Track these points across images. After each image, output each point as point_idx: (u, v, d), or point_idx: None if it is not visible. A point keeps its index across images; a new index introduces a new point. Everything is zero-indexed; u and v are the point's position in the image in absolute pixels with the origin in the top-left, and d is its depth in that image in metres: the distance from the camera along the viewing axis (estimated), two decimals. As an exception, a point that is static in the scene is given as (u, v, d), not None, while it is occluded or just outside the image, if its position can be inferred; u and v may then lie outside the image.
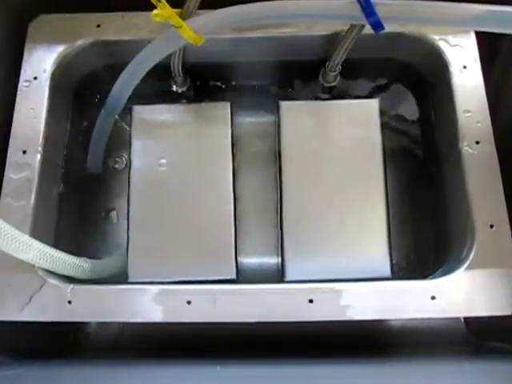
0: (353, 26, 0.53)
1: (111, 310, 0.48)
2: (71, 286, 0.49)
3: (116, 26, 0.59)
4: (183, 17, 0.49)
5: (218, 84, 0.68)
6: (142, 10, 0.57)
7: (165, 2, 0.47)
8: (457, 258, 0.51)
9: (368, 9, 0.44)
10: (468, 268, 0.49)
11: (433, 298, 0.48)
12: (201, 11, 0.50)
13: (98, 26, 0.59)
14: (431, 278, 0.50)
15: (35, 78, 0.57)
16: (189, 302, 0.48)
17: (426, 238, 0.62)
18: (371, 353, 0.61)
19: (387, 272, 0.54)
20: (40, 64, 0.57)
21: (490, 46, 0.59)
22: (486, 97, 0.55)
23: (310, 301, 0.48)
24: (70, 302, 0.48)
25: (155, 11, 0.47)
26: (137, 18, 0.59)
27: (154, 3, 0.47)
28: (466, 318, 0.64)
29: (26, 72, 0.57)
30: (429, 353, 0.61)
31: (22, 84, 0.57)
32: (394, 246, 0.57)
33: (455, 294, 0.48)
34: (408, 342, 0.64)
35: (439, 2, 0.43)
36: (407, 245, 0.63)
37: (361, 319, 0.47)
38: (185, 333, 0.62)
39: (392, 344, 0.65)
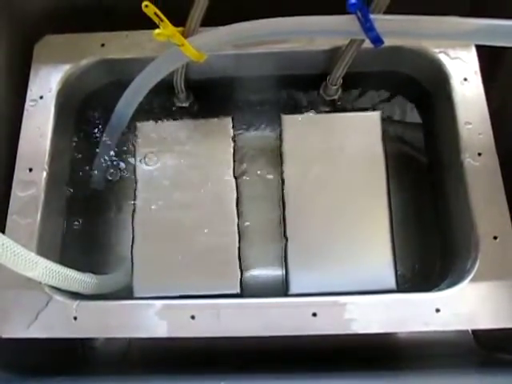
0: (353, 41, 0.53)
1: (116, 325, 0.49)
2: (77, 302, 0.49)
3: (120, 45, 0.60)
4: (185, 35, 0.50)
5: (222, 99, 0.68)
6: (145, 29, 0.58)
7: (167, 21, 0.47)
8: (461, 270, 0.51)
9: (367, 24, 0.44)
10: (472, 280, 0.48)
11: (437, 310, 0.47)
12: (203, 29, 0.51)
13: (103, 45, 0.60)
14: (436, 291, 0.50)
15: (41, 98, 0.58)
16: (193, 317, 0.48)
17: (431, 249, 0.62)
18: (378, 365, 0.61)
19: (392, 284, 0.54)
20: (46, 83, 0.59)
21: (493, 56, 0.59)
22: (491, 108, 0.55)
23: (314, 314, 0.48)
24: (75, 318, 0.49)
25: (157, 30, 0.48)
26: (140, 36, 0.60)
27: (157, 22, 0.47)
28: (473, 330, 0.64)
29: (32, 92, 0.58)
30: (437, 365, 0.60)
31: (28, 103, 0.58)
32: (399, 257, 0.57)
33: (460, 307, 0.48)
34: (416, 354, 0.64)
35: (438, 16, 0.43)
36: (412, 257, 0.62)
37: (365, 333, 0.47)
38: (191, 346, 0.62)
39: (399, 356, 0.64)
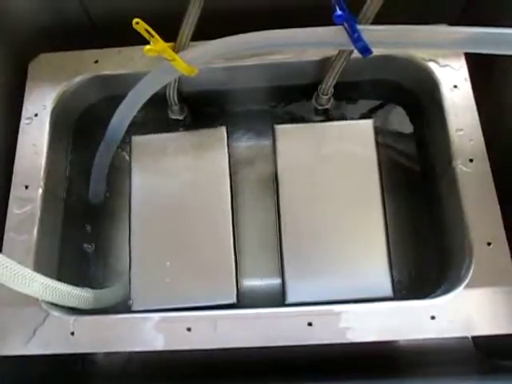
0: (342, 51, 0.54)
1: (113, 339, 0.49)
2: (74, 317, 0.50)
3: (113, 61, 0.61)
4: (176, 49, 0.51)
5: (215, 110, 0.69)
6: (138, 44, 0.58)
7: (158, 37, 0.48)
8: (456, 277, 0.51)
9: (354, 35, 0.44)
10: (467, 286, 0.48)
11: (432, 317, 0.47)
12: (193, 43, 0.51)
13: (96, 61, 0.61)
14: (430, 298, 0.50)
15: (36, 115, 0.59)
16: (189, 329, 0.48)
17: (426, 255, 0.62)
18: (378, 373, 0.61)
19: (389, 291, 0.54)
20: (40, 101, 0.59)
21: (483, 62, 0.60)
22: (485, 113, 0.56)
23: (309, 324, 0.48)
24: (72, 334, 0.49)
25: (148, 46, 0.48)
26: (133, 52, 0.61)
27: (147, 38, 0.48)
28: (473, 337, 0.63)
29: (27, 109, 0.59)
30: (438, 372, 0.60)
31: (23, 121, 0.59)
32: (395, 265, 0.57)
33: (455, 313, 0.47)
34: (416, 361, 0.64)
35: (425, 25, 0.43)
36: (408, 263, 0.62)
37: (360, 341, 0.47)
38: (191, 358, 0.62)
39: (399, 364, 0.64)
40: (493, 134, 0.56)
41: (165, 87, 0.58)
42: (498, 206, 0.51)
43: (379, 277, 0.55)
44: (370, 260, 0.55)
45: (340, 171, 0.59)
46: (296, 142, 0.60)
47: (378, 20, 0.48)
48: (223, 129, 0.62)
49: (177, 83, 0.59)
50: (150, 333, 0.49)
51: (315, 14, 0.48)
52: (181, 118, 0.65)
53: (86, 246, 0.65)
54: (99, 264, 0.66)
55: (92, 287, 0.54)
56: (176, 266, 0.56)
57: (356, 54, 0.46)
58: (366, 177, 0.58)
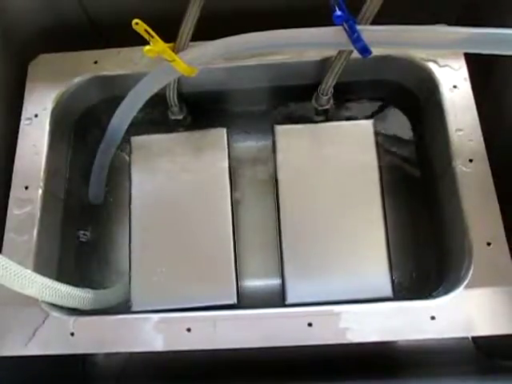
0: (341, 52, 0.54)
1: (113, 340, 0.49)
2: (73, 318, 0.50)
3: (113, 62, 0.61)
4: (176, 50, 0.51)
5: (215, 110, 0.69)
6: (138, 45, 0.58)
7: (157, 37, 0.48)
8: (456, 277, 0.51)
9: (354, 35, 0.44)
10: (467, 287, 0.48)
11: (432, 318, 0.47)
12: (193, 43, 0.51)
13: (96, 62, 0.61)
14: (430, 298, 0.50)
15: (36, 116, 0.59)
16: (189, 330, 0.48)
17: (426, 256, 0.62)
18: (379, 373, 0.61)
19: (389, 292, 0.54)
20: (40, 102, 0.59)
21: (483, 62, 0.60)
22: (485, 113, 0.56)
23: (309, 324, 0.48)
24: (72, 334, 0.49)
25: (147, 47, 0.48)
26: (132, 52, 0.61)
27: (147, 39, 0.48)
28: (473, 337, 0.63)
29: (27, 110, 0.59)
30: (438, 372, 0.60)
31: (23, 122, 0.59)
32: (395, 265, 0.57)
33: (455, 314, 0.47)
34: (416, 361, 0.64)
35: (425, 26, 0.43)
36: (408, 263, 0.62)
37: (360, 341, 0.47)
38: (192, 358, 0.62)
39: (399, 364, 0.64)
40: (493, 134, 0.56)
41: (164, 88, 0.58)
42: (498, 206, 0.51)
43: (379, 277, 0.55)
44: (370, 260, 0.55)
45: (340, 171, 0.59)
46: (296, 143, 0.60)
47: (378, 20, 0.47)
48: (223, 129, 0.62)
49: (176, 84, 0.59)
50: (149, 333, 0.49)
51: (315, 15, 0.48)
52: (180, 118, 0.65)
53: (85, 246, 0.65)
54: (99, 264, 0.66)
55: (92, 287, 0.54)
56: (176, 266, 0.56)
57: (356, 55, 0.46)
58: (366, 177, 0.58)
